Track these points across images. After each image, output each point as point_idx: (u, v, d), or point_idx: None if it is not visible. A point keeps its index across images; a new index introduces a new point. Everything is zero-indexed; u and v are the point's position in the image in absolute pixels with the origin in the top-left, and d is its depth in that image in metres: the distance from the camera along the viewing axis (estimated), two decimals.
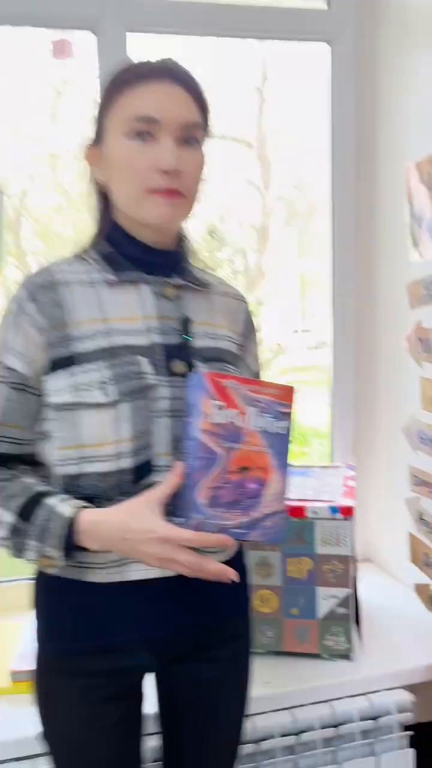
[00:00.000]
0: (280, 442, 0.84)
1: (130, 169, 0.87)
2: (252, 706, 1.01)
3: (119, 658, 0.89)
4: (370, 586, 1.61)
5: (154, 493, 0.80)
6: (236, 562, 0.94)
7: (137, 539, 0.79)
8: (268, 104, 3.15)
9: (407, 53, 1.49)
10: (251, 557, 1.31)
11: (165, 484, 0.80)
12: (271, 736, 1.20)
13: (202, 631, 0.93)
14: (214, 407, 0.81)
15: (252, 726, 1.18)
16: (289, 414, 0.85)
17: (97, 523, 0.82)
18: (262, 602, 1.33)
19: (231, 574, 0.81)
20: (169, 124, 0.85)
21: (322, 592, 1.30)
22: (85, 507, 0.83)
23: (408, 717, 1.25)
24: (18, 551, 0.86)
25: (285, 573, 1.31)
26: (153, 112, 0.85)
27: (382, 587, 1.65)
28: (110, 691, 0.90)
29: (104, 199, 0.94)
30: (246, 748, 1.17)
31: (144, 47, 1.61)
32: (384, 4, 1.57)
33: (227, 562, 0.85)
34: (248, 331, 1.03)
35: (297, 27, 1.66)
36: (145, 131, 0.86)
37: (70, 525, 0.81)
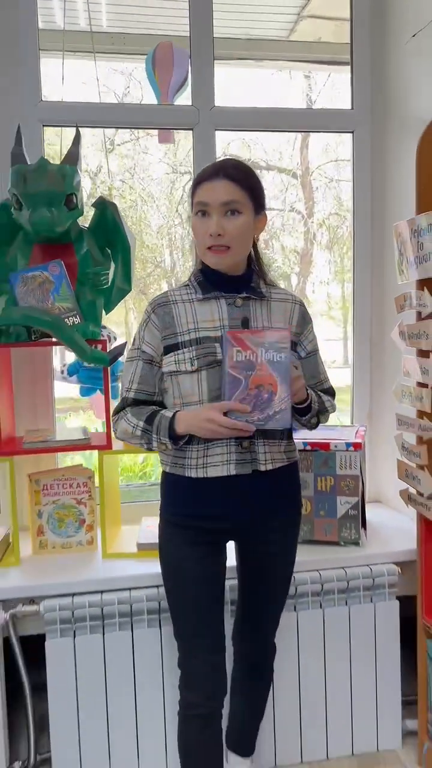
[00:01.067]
0: (282, 367, 1.38)
1: (197, 234, 1.47)
2: (297, 569, 1.69)
3: (205, 523, 1.49)
4: (377, 513, 2.29)
5: (213, 403, 1.42)
6: (293, 476, 1.59)
7: (200, 420, 1.39)
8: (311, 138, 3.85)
9: (406, 141, 2.18)
10: None
11: (219, 402, 1.41)
12: (306, 585, 1.89)
13: (259, 516, 1.50)
14: (236, 352, 1.38)
15: (293, 578, 1.86)
16: (285, 348, 1.38)
17: (183, 416, 1.44)
18: (302, 508, 2.02)
19: (250, 429, 1.38)
20: (214, 206, 1.43)
21: (340, 500, 1.99)
22: (177, 411, 1.45)
23: (394, 579, 1.92)
24: (148, 444, 1.49)
25: (316, 487, 2.00)
26: (205, 198, 1.44)
27: (386, 514, 2.32)
28: (202, 540, 1.50)
29: None
30: (288, 595, 1.85)
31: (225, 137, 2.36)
32: (391, 108, 2.28)
33: (290, 481, 1.55)
34: (303, 322, 1.57)
35: (332, 123, 2.39)
36: (202, 210, 1.45)
37: (171, 421, 1.45)
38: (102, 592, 1.81)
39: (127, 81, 4.91)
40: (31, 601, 1.81)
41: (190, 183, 1.53)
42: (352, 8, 2.36)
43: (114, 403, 1.68)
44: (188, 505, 1.52)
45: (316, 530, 2.01)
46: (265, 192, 1.52)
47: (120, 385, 1.73)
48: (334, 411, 1.65)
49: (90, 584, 1.83)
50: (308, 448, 2.00)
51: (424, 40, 2.05)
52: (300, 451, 1.99)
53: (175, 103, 2.38)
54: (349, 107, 2.38)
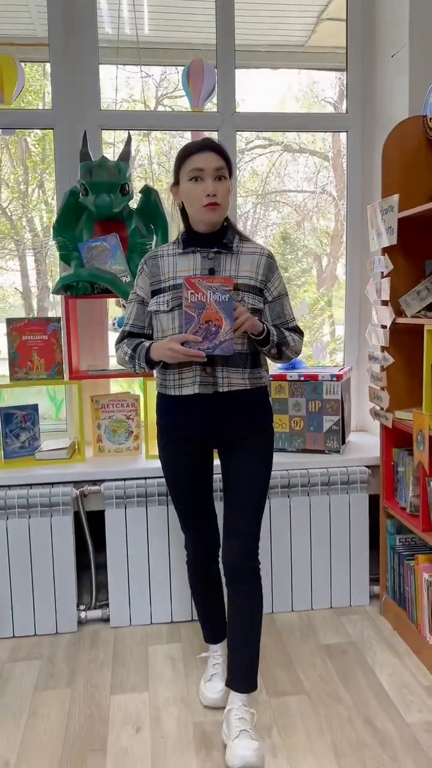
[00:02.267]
0: (227, 305, 1.68)
1: (192, 196, 1.76)
2: (288, 467, 2.31)
3: (184, 432, 1.86)
4: (360, 436, 2.90)
5: (174, 336, 1.74)
6: (255, 399, 1.86)
7: (164, 349, 1.74)
8: None
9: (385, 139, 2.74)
10: (291, 402, 2.62)
11: (179, 335, 1.74)
12: (297, 479, 2.51)
13: (223, 429, 1.83)
14: (190, 294, 1.69)
15: (287, 473, 2.49)
16: (229, 290, 1.67)
17: (155, 346, 1.79)
18: (296, 424, 2.64)
19: (201, 355, 1.69)
20: (208, 171, 1.74)
21: (325, 418, 2.60)
22: (153, 342, 1.82)
23: (365, 477, 2.53)
24: (133, 367, 1.86)
25: (307, 409, 2.62)
26: (200, 165, 1.74)
27: (366, 437, 2.92)
28: (188, 446, 1.87)
29: (183, 212, 1.86)
30: (283, 485, 2.48)
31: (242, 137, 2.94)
32: (377, 112, 2.84)
33: (252, 402, 1.84)
34: (269, 271, 1.84)
35: (330, 124, 2.97)
36: (197, 176, 1.75)
37: (147, 350, 1.81)
38: (145, 478, 2.47)
39: (158, 85, 5.53)
40: (94, 483, 2.48)
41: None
42: (347, 29, 2.91)
43: None
44: (171, 418, 1.89)
45: (307, 441, 2.64)
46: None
47: None
48: (297, 345, 1.91)
49: (136, 473, 2.48)
50: (302, 379, 2.62)
51: (399, 60, 2.60)
52: (295, 381, 2.61)
53: (204, 110, 2.97)
54: (344, 111, 2.95)
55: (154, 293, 1.85)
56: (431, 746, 1.79)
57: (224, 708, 1.85)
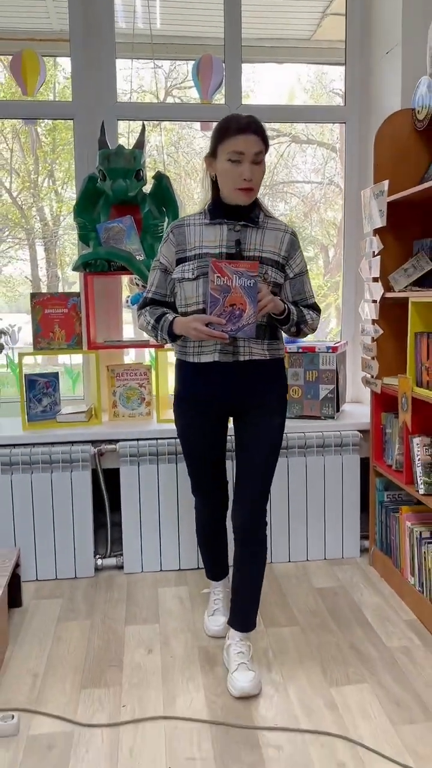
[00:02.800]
0: (251, 290, 1.73)
1: (229, 176, 1.80)
2: (286, 431, 2.55)
3: (201, 398, 1.93)
4: (354, 407, 3.14)
5: (199, 315, 1.80)
6: (273, 369, 1.92)
7: (188, 327, 1.79)
8: None
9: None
10: (290, 372, 2.85)
11: (203, 315, 1.79)
12: (294, 441, 2.75)
13: (240, 396, 1.89)
14: (216, 277, 1.73)
15: (285, 437, 2.73)
16: (254, 275, 1.73)
17: (179, 321, 1.85)
18: (294, 392, 2.87)
19: (224, 337, 1.77)
20: (248, 155, 1.78)
21: (321, 387, 2.84)
22: (176, 317, 1.88)
23: (357, 440, 2.77)
24: (156, 337, 1.92)
25: (305, 378, 2.85)
26: (241, 149, 1.77)
27: (359, 407, 3.15)
28: (205, 412, 1.95)
29: (213, 183, 1.89)
30: (282, 447, 2.72)
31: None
32: (373, 104, 3.05)
33: (269, 372, 1.90)
34: (291, 248, 1.90)
35: (329, 115, 3.19)
36: (236, 159, 1.79)
37: (171, 323, 1.88)
38: (157, 439, 2.72)
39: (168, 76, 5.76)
40: (110, 443, 2.73)
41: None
42: (346, 26, 3.12)
43: None
44: (189, 384, 1.95)
45: (305, 408, 2.87)
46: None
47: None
48: (314, 323, 1.98)
49: (149, 434, 2.73)
50: (301, 350, 2.85)
51: (393, 57, 2.82)
52: (294, 353, 2.85)
53: (212, 102, 3.19)
54: (342, 104, 3.17)
55: (179, 261, 1.89)
56: (406, 664, 2.03)
57: (225, 637, 2.09)
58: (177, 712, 1.83)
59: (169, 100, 4.60)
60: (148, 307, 1.96)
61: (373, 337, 2.61)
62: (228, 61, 3.08)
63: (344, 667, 2.03)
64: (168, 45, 3.70)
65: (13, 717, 1.77)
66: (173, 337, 1.89)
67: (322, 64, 4.02)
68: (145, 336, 2.74)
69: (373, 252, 2.55)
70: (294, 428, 2.76)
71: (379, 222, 2.49)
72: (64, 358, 4.47)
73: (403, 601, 2.43)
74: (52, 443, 2.69)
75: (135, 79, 3.86)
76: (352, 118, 3.13)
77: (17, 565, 2.45)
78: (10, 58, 3.06)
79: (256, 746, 1.69)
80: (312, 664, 2.05)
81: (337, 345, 2.85)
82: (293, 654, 2.11)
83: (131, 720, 1.81)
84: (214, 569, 2.28)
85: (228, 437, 2.13)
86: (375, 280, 2.56)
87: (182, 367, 1.97)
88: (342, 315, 3.29)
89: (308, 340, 3.00)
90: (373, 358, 2.62)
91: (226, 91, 3.10)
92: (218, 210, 1.88)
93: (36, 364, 3.84)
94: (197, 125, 3.46)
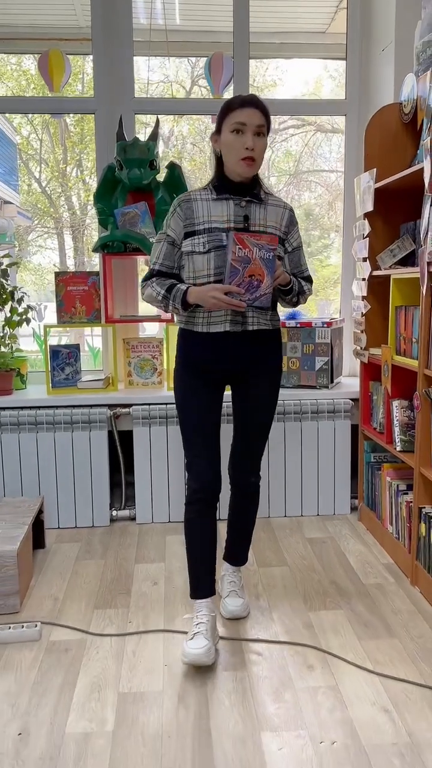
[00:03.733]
0: (270, 263, 1.82)
1: (233, 148, 1.85)
2: (284, 398, 2.83)
3: (211, 366, 1.97)
4: (350, 380, 3.40)
5: (217, 285, 1.85)
6: (274, 338, 2.03)
7: (207, 296, 1.84)
8: None
9: None
10: (289, 345, 3.12)
11: (222, 285, 1.85)
12: (291, 407, 3.02)
13: (246, 364, 1.98)
14: (237, 249, 1.79)
15: (283, 404, 3.00)
16: (273, 249, 1.81)
17: (194, 290, 1.87)
18: (292, 364, 3.14)
19: (242, 305, 1.84)
20: (250, 126, 1.85)
21: (317, 359, 3.10)
22: (189, 286, 1.90)
23: (348, 407, 3.03)
24: (165, 307, 1.95)
25: (302, 351, 3.12)
26: (243, 119, 1.84)
27: (354, 380, 3.41)
28: (204, 379, 1.98)
29: (219, 160, 1.95)
30: (279, 413, 2.99)
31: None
32: (371, 99, 3.29)
33: (272, 341, 2.01)
34: (290, 224, 1.99)
35: (331, 108, 3.42)
36: (239, 129, 1.85)
37: (185, 293, 1.90)
38: (167, 404, 3.01)
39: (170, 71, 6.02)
40: (125, 407, 3.04)
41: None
42: (347, 22, 3.35)
43: None
44: (195, 352, 1.99)
45: (302, 378, 3.14)
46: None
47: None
48: (309, 293, 2.11)
49: (160, 399, 3.03)
50: (299, 325, 3.12)
51: (388, 54, 3.05)
52: (293, 328, 3.11)
53: (223, 96, 3.45)
54: (344, 98, 3.41)
55: (188, 235, 1.93)
56: (378, 596, 2.31)
57: (207, 664, 1.90)
58: (175, 627, 2.14)
59: (195, 89, 4.85)
60: (154, 278, 1.99)
61: (362, 312, 2.86)
62: (237, 58, 3.33)
63: (323, 597, 2.32)
64: (185, 42, 3.97)
65: (36, 625, 2.10)
66: (186, 307, 1.93)
67: (333, 59, 4.24)
68: (157, 311, 3.03)
69: (363, 234, 2.80)
70: (291, 396, 3.04)
71: (368, 207, 2.73)
72: (86, 336, 4.81)
73: (383, 548, 2.70)
74: (73, 406, 3.00)
75: (160, 70, 4.13)
76: (352, 111, 3.37)
77: (41, 512, 2.77)
78: (39, 56, 3.36)
79: (240, 652, 1.98)
80: (295, 594, 2.34)
81: (331, 321, 3.11)
82: (280, 587, 2.40)
83: (135, 632, 2.12)
84: (199, 582, 2.02)
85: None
86: (364, 260, 2.81)
87: (189, 336, 2.01)
88: (341, 293, 3.55)
89: (305, 313, 3.27)
90: (362, 332, 2.88)
91: (235, 86, 3.36)
92: (223, 186, 1.95)
93: (60, 336, 4.18)
94: (209, 119, 3.72)
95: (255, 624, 2.15)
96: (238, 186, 1.94)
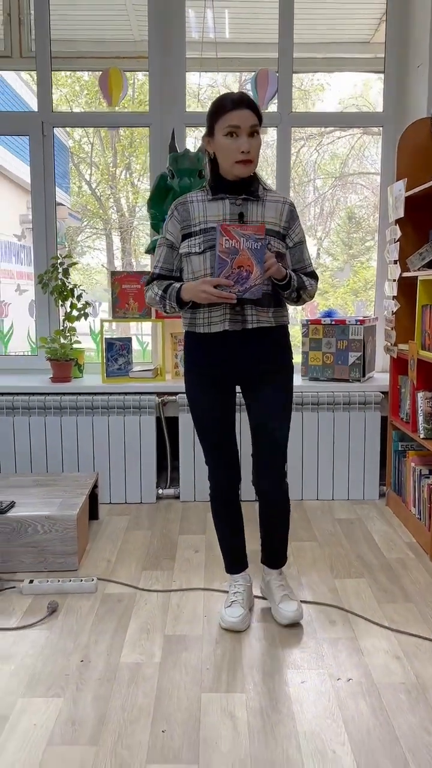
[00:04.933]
0: (258, 253, 1.80)
1: (227, 151, 1.85)
2: (318, 390, 3.07)
3: (216, 367, 1.99)
4: (382, 375, 3.62)
5: (207, 278, 1.85)
6: (279, 335, 2.00)
7: (197, 290, 1.85)
8: None
9: None
10: (324, 341, 3.36)
11: (211, 278, 1.85)
12: (324, 399, 3.27)
13: (249, 363, 1.97)
14: (224, 240, 1.80)
15: (317, 395, 3.24)
16: (261, 239, 1.80)
17: (186, 287, 1.90)
18: (327, 359, 3.38)
19: (232, 297, 1.83)
20: (244, 128, 1.84)
21: (350, 354, 3.33)
22: (183, 284, 1.92)
23: (379, 399, 3.26)
24: (163, 307, 1.98)
25: (336, 346, 3.36)
26: (236, 122, 1.84)
27: (385, 375, 3.63)
28: (213, 380, 2.01)
29: (213, 161, 1.94)
30: (314, 403, 3.24)
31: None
32: (408, 112, 3.50)
33: (276, 338, 1.98)
34: (291, 218, 1.97)
35: (370, 120, 3.65)
36: (233, 132, 1.85)
37: (178, 290, 1.92)
38: None
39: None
40: (172, 395, 3.33)
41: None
42: (386, 39, 3.57)
43: None
44: (200, 355, 2.00)
45: (336, 372, 3.38)
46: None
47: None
48: (312, 289, 2.05)
49: None
50: (333, 323, 3.36)
51: (422, 71, 3.26)
52: (328, 325, 3.35)
53: (267, 109, 3.72)
54: (381, 111, 3.63)
55: (185, 237, 1.96)
56: (398, 569, 2.54)
57: (242, 631, 2.08)
58: (213, 587, 2.41)
59: None
60: (155, 282, 2.03)
61: (392, 311, 3.08)
62: (281, 74, 3.59)
63: (348, 568, 2.56)
64: (234, 58, 4.25)
65: (93, 580, 2.40)
66: (181, 304, 1.95)
67: (374, 72, 4.45)
68: None
69: (394, 239, 3.03)
70: (325, 388, 3.28)
71: (400, 213, 2.96)
72: (135, 332, 5.14)
73: (407, 529, 2.92)
74: (125, 393, 3.31)
75: (211, 75, 4.40)
76: (388, 123, 3.59)
77: (95, 486, 3.09)
78: (99, 73, 3.69)
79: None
80: (323, 565, 2.59)
81: (364, 318, 3.34)
82: (309, 558, 2.65)
83: (179, 589, 2.40)
84: (234, 559, 2.20)
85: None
86: (395, 262, 3.03)
87: (191, 338, 2.03)
88: (376, 294, 3.76)
89: (341, 312, 3.50)
90: (392, 329, 3.10)
91: (279, 101, 3.62)
92: (219, 186, 1.95)
93: (112, 330, 4.50)
94: None
95: None
96: (234, 185, 1.93)
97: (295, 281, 1.97)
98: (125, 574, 2.53)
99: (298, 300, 2.02)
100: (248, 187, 1.95)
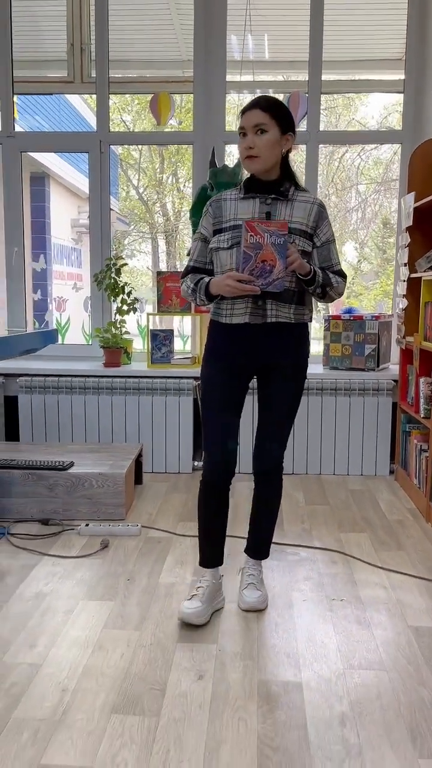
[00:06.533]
0: (281, 248, 1.88)
1: (239, 149, 2.00)
2: (336, 377, 3.51)
3: (234, 357, 2.06)
4: (395, 367, 4.02)
5: (232, 273, 1.94)
6: (297, 332, 2.07)
7: (223, 284, 1.94)
8: None
9: None
10: (343, 335, 3.79)
11: (236, 273, 1.93)
12: (342, 385, 3.69)
13: (266, 355, 2.05)
14: (249, 236, 1.88)
15: (335, 381, 3.67)
16: (284, 234, 1.88)
17: (214, 281, 2.00)
18: (345, 350, 3.81)
19: (256, 290, 1.91)
20: (249, 127, 1.97)
21: (366, 346, 3.75)
22: (212, 278, 2.02)
23: (391, 386, 3.67)
24: (195, 299, 2.08)
25: (354, 339, 3.78)
26: (243, 123, 1.98)
27: (396, 365, 4.03)
28: (230, 368, 2.07)
29: None
30: (332, 388, 3.67)
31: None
32: (425, 130, 3.90)
33: (294, 334, 2.05)
34: (319, 218, 2.04)
35: (389, 137, 4.07)
36: (242, 133, 1.98)
37: (207, 284, 2.02)
38: None
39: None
40: None
41: None
42: (405, 61, 3.98)
43: None
44: (220, 342, 2.10)
45: (353, 362, 3.80)
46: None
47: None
48: (340, 286, 2.10)
49: None
50: (352, 318, 3.78)
51: None
52: (347, 320, 3.78)
53: (297, 128, 4.16)
54: (400, 128, 4.04)
55: (216, 232, 2.06)
56: (397, 527, 2.96)
57: (196, 624, 2.09)
58: (237, 534, 2.87)
59: None
60: (189, 275, 2.14)
61: (402, 308, 3.50)
62: (311, 97, 4.04)
63: (354, 525, 2.99)
64: (272, 81, 4.72)
65: (137, 525, 2.90)
66: (210, 298, 2.06)
67: (396, 93, 4.85)
68: None
69: (404, 244, 3.44)
70: (342, 376, 3.71)
71: (409, 222, 3.37)
72: (177, 324, 5.64)
73: (409, 497, 3.33)
74: (167, 377, 3.81)
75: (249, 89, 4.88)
76: (407, 141, 4.00)
77: (140, 455, 3.59)
78: (150, 96, 4.21)
79: (284, 553, 2.70)
80: (331, 521, 3.03)
81: (379, 315, 3.75)
82: (320, 517, 3.09)
83: None
84: (211, 552, 2.22)
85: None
86: (405, 265, 3.44)
87: (215, 326, 2.13)
88: (393, 294, 4.17)
89: (361, 309, 3.92)
90: (402, 323, 3.51)
91: (308, 121, 4.07)
92: (251, 185, 2.06)
93: (156, 322, 5.02)
94: None
95: (297, 538, 2.86)
96: (266, 184, 2.03)
97: (320, 277, 2.02)
98: (164, 523, 3.02)
99: (324, 296, 2.07)
100: (278, 188, 2.04)
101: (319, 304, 2.74)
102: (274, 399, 2.12)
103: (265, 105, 1.97)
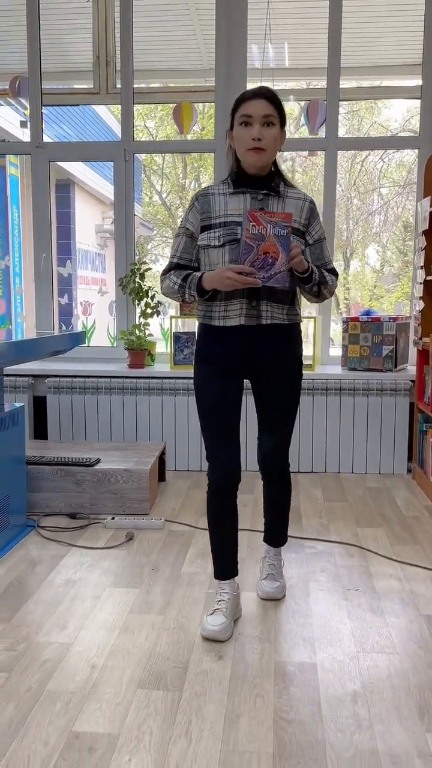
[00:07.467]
0: (284, 240, 1.80)
1: (241, 140, 1.87)
2: (355, 377, 3.59)
3: (228, 360, 1.98)
4: (413, 368, 4.10)
5: (231, 265, 1.85)
6: (291, 333, 2.01)
7: (221, 277, 1.83)
8: None
9: None
10: (361, 336, 3.87)
11: (235, 265, 1.84)
12: (360, 385, 3.78)
13: (261, 358, 1.98)
14: (251, 226, 1.78)
15: (353, 381, 3.76)
16: (287, 226, 1.80)
17: (208, 275, 1.89)
18: (363, 351, 3.89)
19: (258, 283, 1.82)
20: (256, 117, 1.86)
21: (384, 347, 3.83)
22: (204, 273, 1.91)
23: (408, 386, 3.74)
24: (182, 296, 1.97)
25: (372, 341, 3.87)
26: (249, 111, 1.86)
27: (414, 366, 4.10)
28: (227, 373, 1.99)
29: (234, 154, 1.95)
30: (350, 388, 3.76)
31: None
32: None
33: (288, 335, 1.98)
34: (311, 216, 1.97)
35: (406, 143, 4.14)
36: (246, 122, 1.87)
37: (199, 279, 1.90)
38: None
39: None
40: None
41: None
42: (423, 68, 4.06)
43: None
44: (213, 346, 2.00)
45: (371, 363, 3.89)
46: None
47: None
48: (333, 285, 2.06)
49: None
50: (369, 320, 3.87)
51: None
52: (365, 322, 3.87)
53: (318, 135, 4.26)
54: (417, 134, 4.12)
55: (204, 229, 1.96)
56: (413, 523, 3.04)
57: (222, 641, 2.02)
58: (256, 528, 2.98)
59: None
60: (172, 271, 2.03)
61: (419, 309, 3.57)
62: (329, 104, 4.14)
63: (370, 519, 3.08)
64: (292, 89, 4.83)
65: (161, 519, 3.02)
66: (201, 293, 1.95)
67: (413, 99, 4.92)
68: None
69: (421, 248, 3.52)
70: (360, 376, 3.80)
71: (426, 226, 3.45)
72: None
73: (426, 495, 3.40)
74: (189, 378, 3.93)
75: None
76: (424, 146, 4.07)
77: (163, 453, 3.71)
78: (173, 106, 4.35)
79: (302, 545, 2.80)
80: (349, 517, 3.12)
81: (397, 317, 3.83)
82: (338, 513, 3.18)
83: None
84: (225, 564, 2.14)
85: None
86: (421, 268, 3.52)
87: (206, 330, 2.02)
88: (411, 296, 4.24)
89: (380, 312, 4.01)
90: (418, 325, 3.59)
91: (327, 127, 4.17)
92: (240, 180, 1.96)
93: (178, 325, 5.15)
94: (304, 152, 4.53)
95: (315, 532, 2.95)
96: (256, 179, 1.94)
97: (316, 275, 1.98)
98: (186, 517, 3.14)
99: (318, 295, 2.03)
100: (269, 183, 1.96)
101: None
102: (275, 402, 2.08)
103: (271, 96, 1.90)
